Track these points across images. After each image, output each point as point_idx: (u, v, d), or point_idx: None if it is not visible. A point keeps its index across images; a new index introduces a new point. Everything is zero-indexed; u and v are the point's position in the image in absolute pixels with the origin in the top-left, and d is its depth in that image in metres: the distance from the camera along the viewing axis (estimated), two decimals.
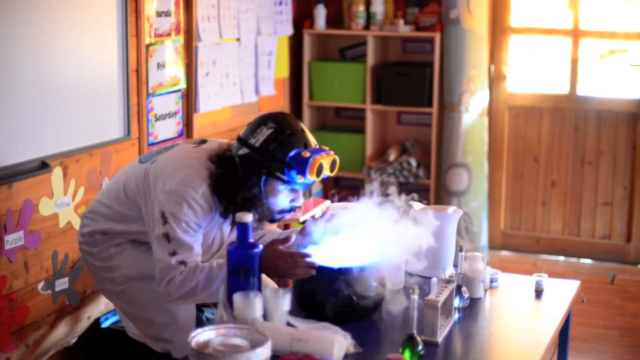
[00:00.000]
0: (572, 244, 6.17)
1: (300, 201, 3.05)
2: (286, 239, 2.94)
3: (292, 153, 2.89)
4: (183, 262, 2.90)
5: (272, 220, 3.08)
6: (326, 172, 2.95)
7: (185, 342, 3.13)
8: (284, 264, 2.87)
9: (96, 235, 3.22)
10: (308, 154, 2.89)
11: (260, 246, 2.78)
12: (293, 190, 3.00)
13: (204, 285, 2.88)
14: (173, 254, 2.90)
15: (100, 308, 4.21)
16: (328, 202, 3.21)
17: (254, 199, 2.93)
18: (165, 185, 2.95)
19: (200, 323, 3.93)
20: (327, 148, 3.00)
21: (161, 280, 2.92)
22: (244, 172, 2.93)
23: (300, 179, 2.89)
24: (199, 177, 2.95)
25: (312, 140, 2.98)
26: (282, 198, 2.99)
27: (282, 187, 2.96)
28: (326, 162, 2.93)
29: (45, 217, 3.86)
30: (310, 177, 2.89)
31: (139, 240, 3.17)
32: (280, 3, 5.66)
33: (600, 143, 6.02)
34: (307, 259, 2.87)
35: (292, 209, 3.05)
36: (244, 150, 2.95)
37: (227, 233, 3.17)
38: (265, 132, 2.93)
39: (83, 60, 3.97)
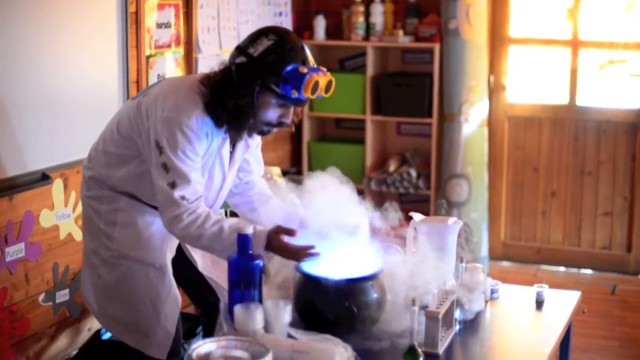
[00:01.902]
0: (572, 254, 6.16)
1: (288, 118, 3.01)
2: (291, 232, 2.93)
3: (290, 67, 2.87)
4: (184, 198, 2.88)
5: (259, 133, 3.05)
6: (321, 92, 2.94)
7: (162, 342, 3.13)
8: (288, 256, 2.92)
9: (103, 189, 3.12)
10: (305, 70, 2.87)
11: (261, 257, 2.78)
12: (284, 106, 2.97)
13: (209, 241, 2.89)
14: (172, 185, 2.88)
15: None
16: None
17: (245, 107, 2.90)
18: (157, 114, 2.91)
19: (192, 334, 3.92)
20: (324, 69, 2.98)
21: (165, 213, 2.92)
22: (238, 80, 2.91)
23: (294, 94, 2.87)
24: (191, 102, 2.92)
25: (310, 58, 2.95)
26: (272, 112, 2.96)
27: (274, 100, 2.93)
28: (322, 81, 2.92)
29: (46, 229, 3.86)
30: (305, 94, 2.87)
31: (146, 204, 3.11)
32: (280, 14, 5.67)
33: (600, 153, 6.03)
34: (311, 251, 2.89)
35: (279, 124, 3.01)
36: (241, 59, 2.92)
37: (228, 165, 3.12)
38: (265, 43, 2.90)
39: (83, 71, 3.98)
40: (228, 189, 3.21)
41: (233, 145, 3.13)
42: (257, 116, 2.94)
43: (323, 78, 2.92)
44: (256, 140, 3.27)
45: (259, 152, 3.37)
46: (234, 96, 2.90)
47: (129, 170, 3.07)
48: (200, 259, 3.29)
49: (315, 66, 2.95)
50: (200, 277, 3.29)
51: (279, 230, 2.93)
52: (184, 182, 2.89)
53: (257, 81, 2.89)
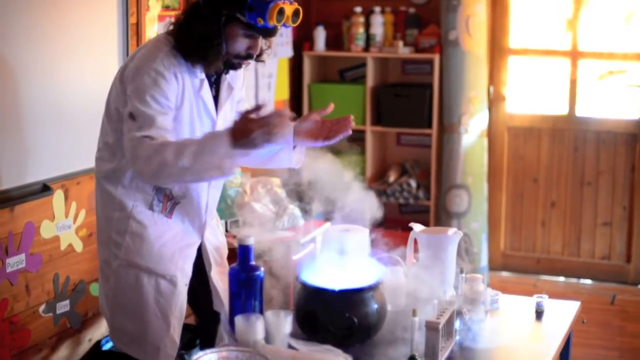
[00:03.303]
0: (572, 264, 6.17)
1: (256, 49, 3.01)
2: (258, 107, 2.81)
3: None
4: (148, 137, 2.82)
5: (229, 66, 3.04)
6: (288, 22, 2.93)
7: (170, 352, 3.11)
8: (260, 131, 2.75)
9: (118, 188, 3.07)
10: None
11: (262, 268, 2.79)
12: (252, 37, 2.96)
13: (173, 159, 2.76)
14: (139, 129, 2.84)
15: (102, 330, 4.21)
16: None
17: (210, 36, 2.90)
18: (128, 72, 2.93)
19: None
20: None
21: (129, 157, 2.87)
22: (205, 12, 2.91)
23: (260, 22, 2.87)
24: (155, 48, 2.94)
25: None
26: (240, 43, 2.96)
27: (241, 31, 2.93)
28: (288, 9, 2.91)
29: (47, 240, 3.87)
30: (270, 22, 2.86)
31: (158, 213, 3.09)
32: None
33: (599, 164, 6.04)
34: (283, 113, 2.80)
35: (248, 56, 3.00)
36: None
37: (214, 109, 3.07)
38: None
39: (84, 82, 3.99)
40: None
41: (216, 89, 3.11)
42: (226, 48, 2.94)
43: (289, 6, 2.92)
44: (240, 86, 3.23)
45: (246, 105, 3.27)
46: (200, 27, 2.91)
47: None
48: (214, 266, 3.27)
49: None
50: (205, 287, 3.27)
51: (245, 112, 2.81)
52: (150, 126, 2.84)
53: (222, 11, 2.90)
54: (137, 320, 3.11)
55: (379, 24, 6.04)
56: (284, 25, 2.94)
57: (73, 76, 3.93)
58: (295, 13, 2.96)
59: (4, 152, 3.58)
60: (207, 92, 3.05)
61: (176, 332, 3.14)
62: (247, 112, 2.79)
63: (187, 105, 2.99)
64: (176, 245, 3.10)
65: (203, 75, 3.03)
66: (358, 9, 6.04)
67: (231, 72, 3.11)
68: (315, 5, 6.34)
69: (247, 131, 2.75)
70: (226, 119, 3.13)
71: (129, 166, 2.97)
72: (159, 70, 2.90)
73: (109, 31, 4.14)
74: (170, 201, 3.07)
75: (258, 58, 3.08)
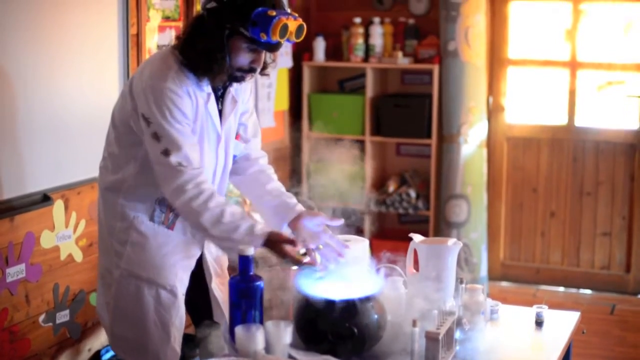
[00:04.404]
0: (571, 274, 6.17)
1: (260, 64, 3.01)
2: (293, 242, 2.92)
3: (259, 10, 2.88)
4: (181, 164, 2.87)
5: (232, 79, 3.04)
6: (291, 37, 2.94)
7: None
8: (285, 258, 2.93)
9: (119, 198, 3.08)
10: (274, 13, 2.86)
11: (262, 279, 2.79)
12: (255, 51, 2.97)
13: (208, 221, 2.88)
14: (166, 152, 2.87)
15: (101, 340, 4.21)
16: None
17: (214, 50, 2.91)
18: (138, 87, 2.94)
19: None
20: (296, 14, 2.98)
21: (167, 184, 2.90)
22: (208, 24, 2.92)
23: (263, 37, 2.87)
24: (164, 65, 2.95)
25: (281, 3, 2.95)
26: (243, 57, 2.97)
27: (245, 45, 2.94)
28: (292, 25, 2.91)
29: (47, 250, 3.87)
30: (274, 37, 2.86)
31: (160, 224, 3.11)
32: None
33: (598, 174, 6.05)
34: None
35: (251, 70, 3.01)
36: (211, 4, 2.94)
37: (219, 122, 3.09)
38: None
39: (84, 93, 4.00)
40: (226, 149, 3.17)
41: (222, 102, 3.12)
42: (229, 61, 2.95)
43: (293, 22, 2.92)
44: (246, 99, 3.24)
45: (254, 117, 3.34)
46: (204, 40, 2.92)
47: (135, 162, 3.05)
48: (214, 277, 3.28)
49: (285, 10, 2.95)
50: (205, 298, 3.27)
51: (281, 239, 2.92)
52: (175, 148, 2.88)
53: (226, 25, 2.91)
54: (138, 330, 3.11)
55: (378, 35, 6.05)
56: (288, 40, 2.95)
57: (73, 87, 3.93)
58: (299, 29, 2.97)
59: (4, 162, 3.59)
60: (213, 106, 3.06)
61: (177, 342, 3.14)
62: (282, 239, 2.92)
63: (198, 121, 3.01)
64: (177, 256, 3.10)
65: (210, 89, 3.03)
66: (357, 20, 6.05)
67: (235, 84, 3.11)
68: (314, 15, 6.35)
69: (282, 252, 2.91)
70: (229, 133, 3.15)
71: (158, 186, 2.98)
72: (173, 89, 2.91)
73: (109, 42, 4.15)
74: (172, 212, 3.07)
75: (262, 72, 3.09)
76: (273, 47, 2.96)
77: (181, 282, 3.15)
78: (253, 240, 2.87)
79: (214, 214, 2.89)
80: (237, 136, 3.23)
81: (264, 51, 2.99)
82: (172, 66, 2.94)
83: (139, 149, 3.02)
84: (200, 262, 3.22)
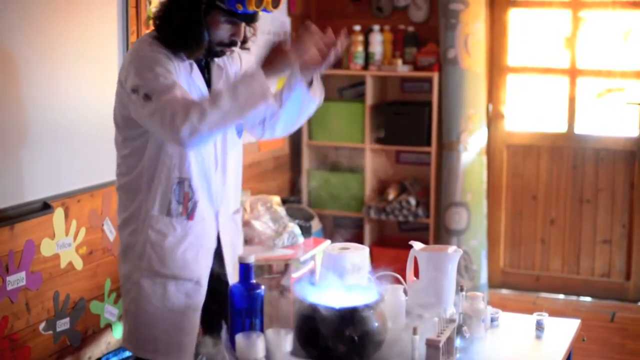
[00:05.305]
0: (571, 282, 6.17)
1: (239, 36, 3.03)
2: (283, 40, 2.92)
3: None
4: (173, 95, 2.84)
5: (213, 54, 3.05)
6: (268, 7, 2.96)
7: (193, 351, 3.12)
8: (292, 46, 2.91)
9: (137, 196, 3.10)
10: None
11: (263, 287, 2.79)
12: (234, 23, 2.99)
13: (210, 107, 2.78)
14: (158, 97, 2.84)
15: (101, 348, 4.21)
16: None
17: (190, 25, 2.92)
18: (122, 72, 2.98)
19: None
20: None
21: (163, 121, 2.82)
22: (185, 2, 2.93)
23: (239, 8, 2.90)
24: (140, 42, 3.01)
25: None
26: (222, 31, 2.99)
27: (222, 18, 2.96)
28: None
29: (47, 258, 3.87)
30: (250, 7, 2.89)
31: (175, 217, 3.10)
32: None
33: (598, 181, 6.05)
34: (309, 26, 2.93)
35: (231, 43, 3.02)
36: None
37: (206, 91, 3.06)
38: None
39: (84, 100, 4.00)
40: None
41: (208, 72, 3.12)
42: (209, 36, 2.96)
43: None
44: (239, 69, 3.23)
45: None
46: (181, 17, 2.93)
47: (148, 151, 3.06)
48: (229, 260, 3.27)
49: None
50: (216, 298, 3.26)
51: (271, 45, 2.91)
52: (168, 89, 2.85)
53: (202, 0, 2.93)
54: (164, 327, 3.11)
55: (378, 43, 6.06)
56: (264, 10, 2.97)
57: (73, 94, 3.94)
58: None
59: (4, 170, 3.59)
60: (197, 76, 3.08)
61: (197, 332, 3.16)
62: (275, 44, 2.89)
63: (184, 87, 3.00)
64: (197, 246, 3.12)
65: (191, 60, 3.05)
66: (357, 28, 6.06)
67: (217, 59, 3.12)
68: (313, 23, 6.34)
69: (282, 53, 2.87)
70: None
71: (162, 137, 2.94)
72: (153, 55, 2.93)
73: (109, 49, 4.16)
74: (190, 201, 3.07)
75: (242, 45, 3.09)
76: (251, 18, 3.00)
77: (206, 270, 3.16)
78: (253, 76, 2.83)
79: (207, 99, 2.83)
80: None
81: (242, 23, 3.01)
82: (147, 40, 2.99)
83: (145, 140, 3.05)
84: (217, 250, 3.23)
